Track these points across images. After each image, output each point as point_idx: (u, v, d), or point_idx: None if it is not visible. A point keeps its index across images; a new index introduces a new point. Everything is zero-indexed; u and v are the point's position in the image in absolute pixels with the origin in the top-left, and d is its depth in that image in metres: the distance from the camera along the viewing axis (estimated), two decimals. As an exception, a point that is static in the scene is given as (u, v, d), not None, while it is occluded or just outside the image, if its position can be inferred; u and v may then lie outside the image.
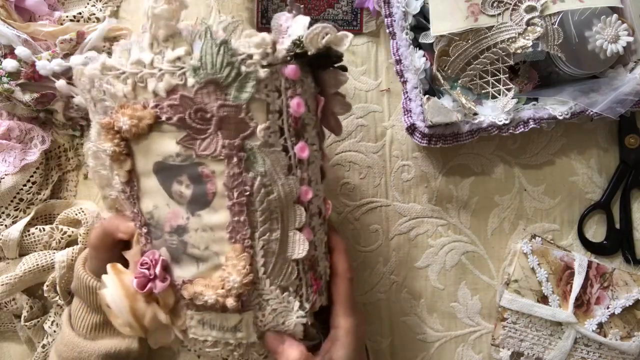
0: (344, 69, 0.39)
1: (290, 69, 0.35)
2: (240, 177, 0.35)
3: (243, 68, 0.33)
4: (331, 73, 0.39)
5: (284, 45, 0.35)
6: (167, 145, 0.34)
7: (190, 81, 0.33)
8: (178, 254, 0.37)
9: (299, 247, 0.37)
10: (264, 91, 0.34)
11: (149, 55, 0.34)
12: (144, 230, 0.38)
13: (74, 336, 0.43)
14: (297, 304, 0.37)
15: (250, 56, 0.33)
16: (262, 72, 0.34)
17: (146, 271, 0.36)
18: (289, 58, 0.35)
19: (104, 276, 0.38)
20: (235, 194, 0.35)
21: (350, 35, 0.36)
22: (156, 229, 0.37)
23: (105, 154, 0.36)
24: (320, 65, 0.37)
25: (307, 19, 0.37)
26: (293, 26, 0.37)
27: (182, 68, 0.33)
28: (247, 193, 0.35)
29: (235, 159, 0.34)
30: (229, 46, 0.33)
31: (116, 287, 0.37)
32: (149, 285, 0.36)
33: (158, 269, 0.36)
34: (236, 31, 0.35)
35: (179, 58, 0.33)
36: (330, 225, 0.43)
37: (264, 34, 0.34)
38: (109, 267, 0.38)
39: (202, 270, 0.36)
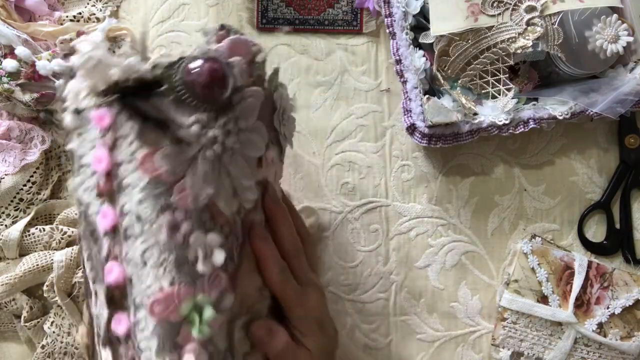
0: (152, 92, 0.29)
1: (94, 115, 0.29)
2: (80, 232, 0.32)
3: (60, 115, 0.31)
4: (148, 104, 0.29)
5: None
6: None
7: None
8: None
9: (102, 331, 0.31)
10: (75, 141, 0.30)
11: None
12: None
13: None
14: None
15: (65, 99, 0.31)
16: (67, 119, 0.30)
17: None
18: (97, 100, 0.29)
19: None
20: (79, 247, 0.33)
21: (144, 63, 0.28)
22: None
23: None
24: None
25: (96, 36, 0.30)
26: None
27: None
28: (79, 252, 0.33)
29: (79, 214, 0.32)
30: (60, 89, 0.31)
31: None
32: None
33: None
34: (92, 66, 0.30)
35: None
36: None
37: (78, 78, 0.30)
38: None
39: None
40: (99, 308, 0.31)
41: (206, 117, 0.29)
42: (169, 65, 0.28)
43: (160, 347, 0.29)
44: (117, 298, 0.30)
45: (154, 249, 0.29)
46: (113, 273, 0.30)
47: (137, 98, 0.28)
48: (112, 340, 0.31)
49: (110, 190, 0.30)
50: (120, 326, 0.30)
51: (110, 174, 0.29)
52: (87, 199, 0.30)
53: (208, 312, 0.30)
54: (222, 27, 0.31)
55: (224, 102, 0.30)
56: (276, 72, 0.34)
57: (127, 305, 0.30)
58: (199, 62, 0.28)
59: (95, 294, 0.31)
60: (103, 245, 0.30)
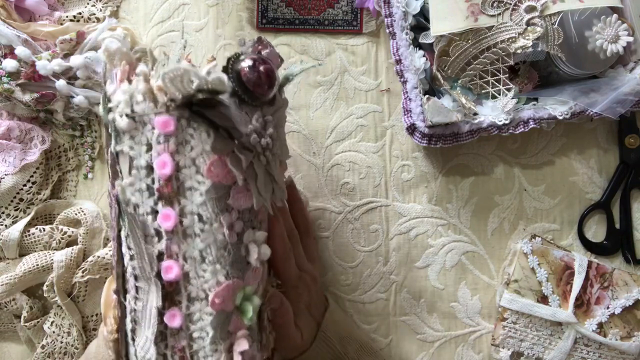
0: (216, 103, 0.30)
1: (159, 121, 0.30)
2: (115, 230, 0.33)
3: (110, 116, 0.32)
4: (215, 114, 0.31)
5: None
6: None
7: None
8: None
9: (151, 326, 0.32)
10: (127, 143, 0.31)
11: None
12: None
13: None
14: None
15: (118, 103, 0.31)
16: (122, 122, 0.31)
17: None
18: (166, 107, 0.30)
19: None
20: (115, 247, 0.34)
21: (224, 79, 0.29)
22: None
23: None
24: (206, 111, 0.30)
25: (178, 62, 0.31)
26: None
27: None
28: (116, 250, 0.34)
29: (113, 211, 0.33)
30: (106, 92, 0.32)
31: (104, 292, 0.41)
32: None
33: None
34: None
35: None
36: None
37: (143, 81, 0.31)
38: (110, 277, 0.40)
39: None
40: (143, 303, 0.33)
41: (260, 125, 0.31)
42: (224, 66, 0.30)
43: (216, 335, 0.32)
44: (170, 294, 0.32)
45: (212, 247, 0.32)
46: (173, 271, 0.31)
47: (204, 107, 0.30)
48: (158, 333, 0.33)
49: (170, 192, 0.31)
50: (175, 320, 0.32)
51: (171, 178, 0.31)
52: (136, 200, 0.32)
53: (256, 301, 0.33)
54: (260, 39, 0.33)
55: (269, 100, 0.32)
56: (288, 79, 0.36)
57: (179, 300, 0.32)
58: (249, 62, 0.31)
59: (137, 289, 0.33)
60: (159, 244, 0.32)
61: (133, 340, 0.34)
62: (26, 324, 0.50)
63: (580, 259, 0.50)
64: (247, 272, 0.33)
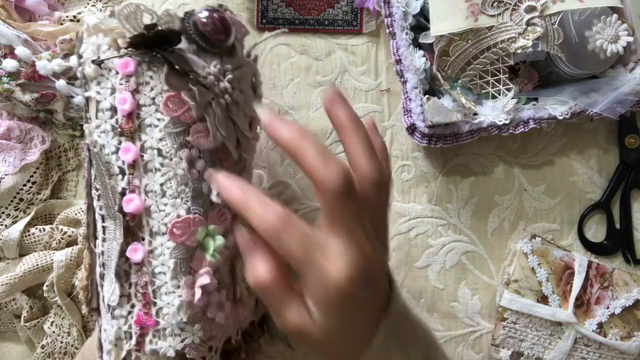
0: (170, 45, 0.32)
1: (120, 62, 0.33)
2: (87, 177, 0.35)
3: (80, 68, 0.34)
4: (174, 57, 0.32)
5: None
6: None
7: None
8: None
9: (114, 263, 0.33)
10: (94, 89, 0.34)
11: None
12: None
13: None
14: (116, 329, 0.33)
15: (88, 56, 0.34)
16: (89, 69, 0.34)
17: None
18: (124, 51, 0.33)
19: None
20: (86, 193, 0.35)
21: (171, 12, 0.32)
22: None
23: None
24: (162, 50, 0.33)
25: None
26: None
27: None
28: (87, 196, 0.35)
29: (86, 161, 0.35)
30: (79, 52, 0.34)
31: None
32: None
33: None
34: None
35: None
36: None
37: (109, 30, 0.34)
38: None
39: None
40: (109, 243, 0.34)
41: (218, 71, 0.33)
42: (182, 19, 0.33)
43: (177, 270, 0.33)
44: (133, 229, 0.33)
45: (172, 181, 0.33)
46: (133, 203, 0.32)
47: (162, 49, 0.32)
48: (122, 272, 0.33)
49: (131, 128, 0.33)
50: (136, 254, 0.33)
51: (132, 115, 0.33)
52: (102, 141, 0.34)
53: (219, 240, 0.34)
54: (220, 6, 0.35)
55: (229, 48, 0.34)
56: (256, 58, 0.39)
57: (142, 236, 0.33)
58: (206, 13, 0.33)
59: (104, 230, 0.34)
60: (122, 179, 0.33)
61: (102, 287, 0.34)
62: (26, 324, 0.50)
63: (580, 259, 0.50)
64: (211, 212, 0.34)
